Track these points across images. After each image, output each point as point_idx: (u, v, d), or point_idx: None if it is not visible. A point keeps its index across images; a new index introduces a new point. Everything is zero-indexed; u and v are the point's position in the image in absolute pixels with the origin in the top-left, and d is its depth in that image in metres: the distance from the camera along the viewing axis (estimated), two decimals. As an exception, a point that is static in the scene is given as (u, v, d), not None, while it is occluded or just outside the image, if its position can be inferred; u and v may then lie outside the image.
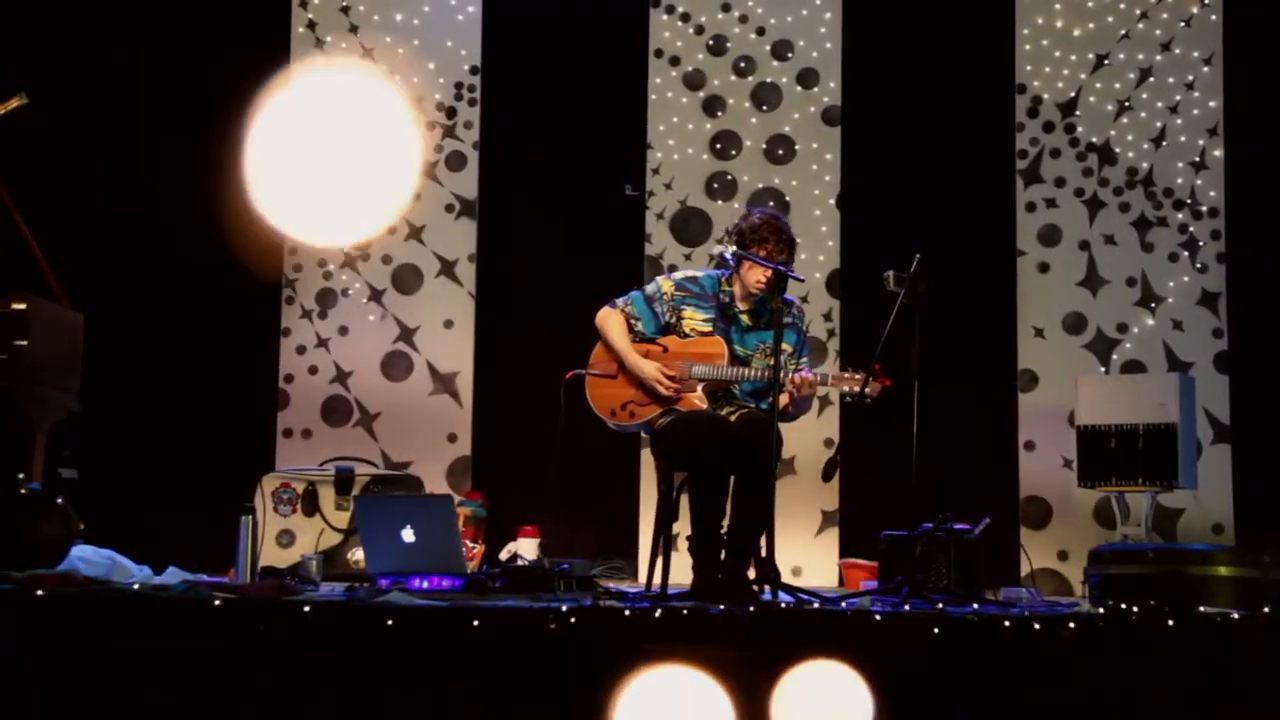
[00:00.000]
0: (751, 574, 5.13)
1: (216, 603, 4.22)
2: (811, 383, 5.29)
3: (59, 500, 4.93)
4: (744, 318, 5.46)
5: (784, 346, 5.29)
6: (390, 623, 4.18)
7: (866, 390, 5.22)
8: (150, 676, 4.11)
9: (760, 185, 7.74)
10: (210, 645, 4.13)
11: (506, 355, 7.90)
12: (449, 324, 7.77)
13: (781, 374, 5.16)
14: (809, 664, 4.01)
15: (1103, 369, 7.42)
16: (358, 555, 6.20)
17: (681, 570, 5.35)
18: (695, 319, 5.45)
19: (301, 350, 7.77)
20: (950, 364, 7.20)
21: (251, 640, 4.13)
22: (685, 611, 4.31)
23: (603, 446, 6.78)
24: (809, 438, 7.40)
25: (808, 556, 7.35)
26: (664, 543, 5.44)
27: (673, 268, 7.55)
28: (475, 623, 4.16)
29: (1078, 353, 7.47)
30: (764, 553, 5.05)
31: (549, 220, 7.97)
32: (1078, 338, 7.49)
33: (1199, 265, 7.44)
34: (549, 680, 4.13)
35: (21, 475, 5.10)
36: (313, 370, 7.76)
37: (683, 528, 5.33)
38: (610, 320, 5.50)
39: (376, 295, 7.79)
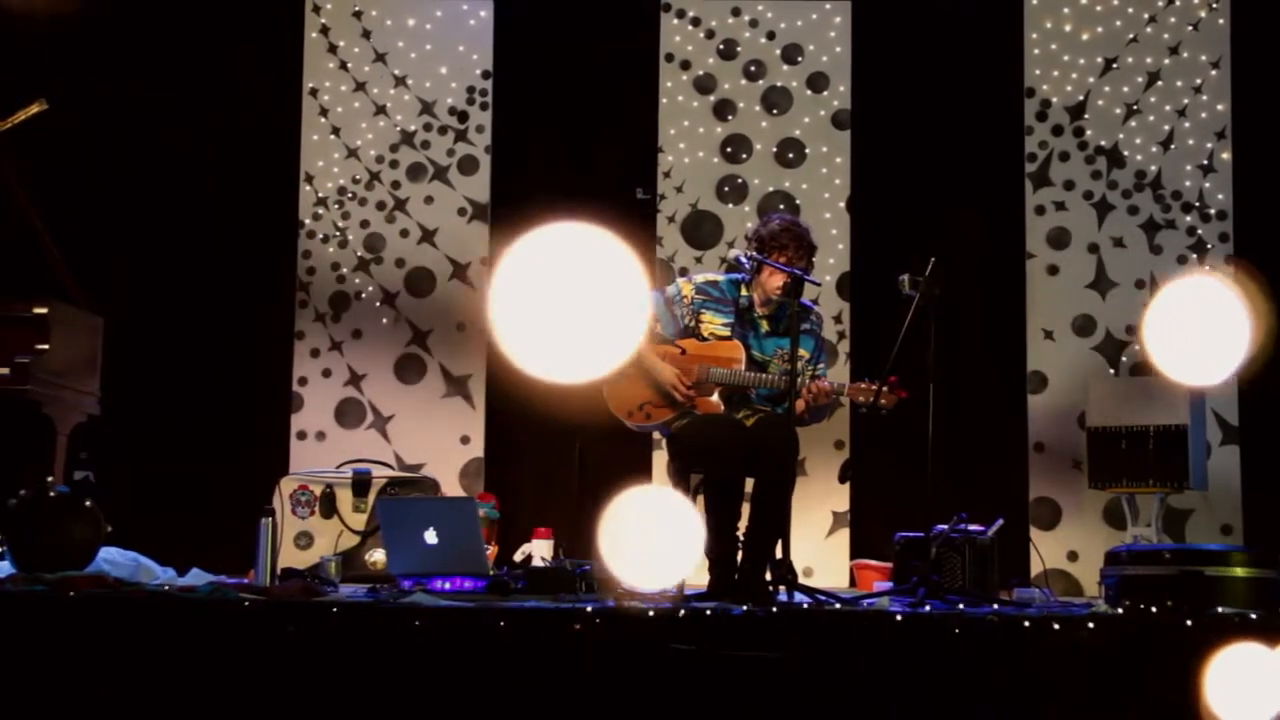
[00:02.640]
0: (766, 575, 5.17)
1: (245, 604, 4.26)
2: (828, 392, 5.33)
3: (87, 503, 4.98)
4: (763, 323, 5.50)
5: (801, 352, 5.33)
6: (417, 623, 4.23)
7: (882, 402, 5.25)
8: (181, 677, 4.15)
9: (771, 189, 7.78)
10: (240, 646, 4.17)
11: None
12: (461, 327, 7.82)
13: (798, 380, 5.20)
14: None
15: (1112, 371, 7.46)
16: (375, 557, 6.24)
17: (696, 572, 5.39)
18: (714, 323, 5.49)
19: (315, 353, 7.80)
20: (960, 366, 7.27)
21: (281, 641, 4.18)
22: (708, 612, 4.36)
23: (614, 447, 6.83)
24: (820, 440, 7.44)
25: (819, 558, 7.39)
26: (680, 544, 5.48)
27: (684, 271, 7.60)
28: (502, 623, 4.21)
29: (1087, 355, 7.52)
30: (779, 554, 5.09)
31: (560, 223, 7.99)
32: (1087, 340, 7.54)
33: (1207, 267, 7.48)
34: (575, 680, 4.17)
35: (50, 478, 5.15)
36: (326, 373, 7.79)
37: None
38: (629, 322, 5.53)
39: (389, 298, 7.83)
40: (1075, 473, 7.34)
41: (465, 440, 7.74)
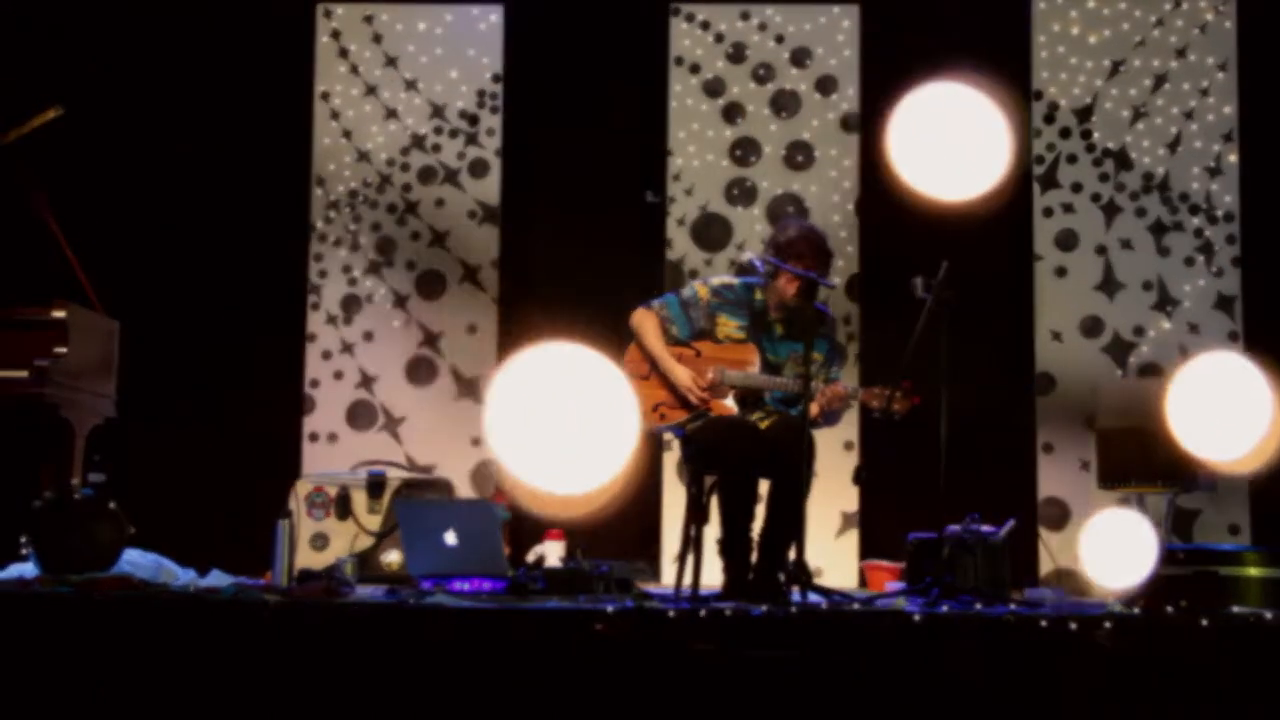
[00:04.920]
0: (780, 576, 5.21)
1: (269, 604, 4.30)
2: (841, 395, 5.36)
3: (111, 505, 5.01)
4: (777, 326, 5.53)
5: (815, 356, 5.36)
6: (439, 624, 4.27)
7: (895, 407, 5.28)
8: (206, 677, 4.19)
9: (780, 191, 7.82)
10: (265, 646, 4.21)
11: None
12: (472, 329, 7.85)
13: (812, 383, 5.23)
14: None
15: (1119, 372, 7.50)
16: (390, 558, 6.28)
17: (709, 573, 5.42)
18: (729, 325, 5.52)
19: (327, 356, 7.84)
20: (969, 367, 7.29)
21: (305, 641, 4.22)
22: (728, 613, 4.39)
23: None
24: (829, 441, 7.44)
25: (829, 558, 7.42)
26: (695, 545, 5.51)
27: (694, 273, 7.64)
28: (523, 623, 4.25)
29: (1095, 356, 7.55)
30: (793, 555, 5.13)
31: (571, 226, 8.05)
32: (1095, 341, 7.58)
33: (1215, 269, 7.52)
34: (596, 681, 4.21)
35: (75, 480, 5.19)
36: (338, 375, 7.84)
37: (711, 530, 5.41)
38: (646, 322, 5.57)
39: (400, 301, 7.87)
40: (1084, 473, 7.38)
41: (476, 442, 7.77)
